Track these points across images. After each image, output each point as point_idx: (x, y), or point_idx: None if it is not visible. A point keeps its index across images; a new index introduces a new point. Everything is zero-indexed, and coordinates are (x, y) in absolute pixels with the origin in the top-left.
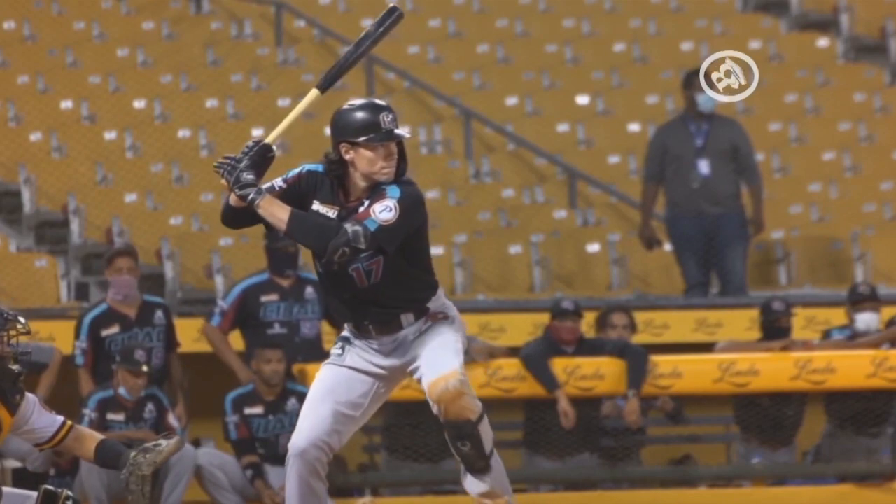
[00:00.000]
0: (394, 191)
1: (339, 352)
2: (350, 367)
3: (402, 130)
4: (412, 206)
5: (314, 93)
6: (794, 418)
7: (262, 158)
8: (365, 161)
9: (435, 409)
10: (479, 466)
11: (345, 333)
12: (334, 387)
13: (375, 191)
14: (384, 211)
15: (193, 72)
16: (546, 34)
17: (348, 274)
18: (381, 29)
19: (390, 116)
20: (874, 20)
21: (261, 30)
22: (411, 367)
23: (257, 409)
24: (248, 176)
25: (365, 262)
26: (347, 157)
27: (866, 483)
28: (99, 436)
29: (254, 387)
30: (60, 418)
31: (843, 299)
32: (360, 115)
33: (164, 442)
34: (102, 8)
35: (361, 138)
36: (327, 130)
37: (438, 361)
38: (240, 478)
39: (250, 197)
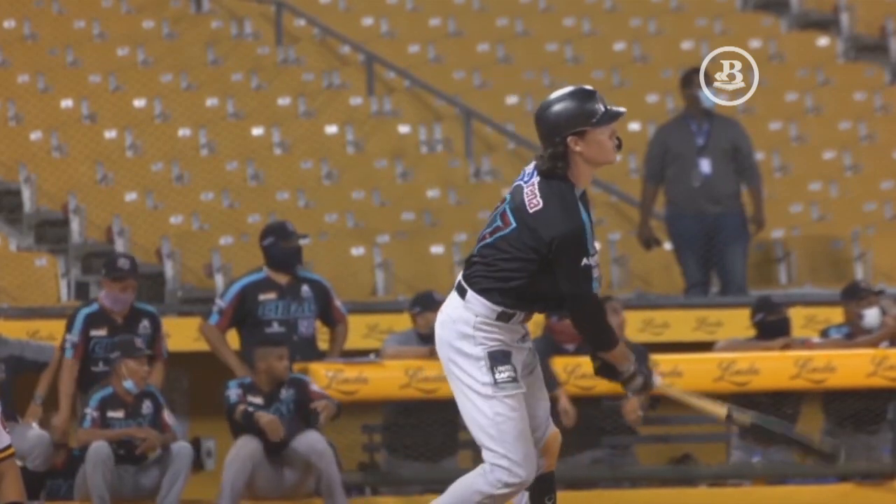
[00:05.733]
0: None
1: (513, 374)
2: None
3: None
4: None
5: None
6: (791, 416)
7: None
8: (596, 146)
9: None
10: None
11: (498, 345)
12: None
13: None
14: None
15: (194, 71)
16: (546, 33)
17: None
18: None
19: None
20: (874, 19)
21: (261, 29)
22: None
23: (258, 400)
24: None
25: None
26: (577, 149)
27: (866, 482)
28: (18, 491)
29: (251, 381)
30: (7, 442)
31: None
32: (579, 103)
33: None
34: (103, 7)
35: (594, 120)
36: (328, 129)
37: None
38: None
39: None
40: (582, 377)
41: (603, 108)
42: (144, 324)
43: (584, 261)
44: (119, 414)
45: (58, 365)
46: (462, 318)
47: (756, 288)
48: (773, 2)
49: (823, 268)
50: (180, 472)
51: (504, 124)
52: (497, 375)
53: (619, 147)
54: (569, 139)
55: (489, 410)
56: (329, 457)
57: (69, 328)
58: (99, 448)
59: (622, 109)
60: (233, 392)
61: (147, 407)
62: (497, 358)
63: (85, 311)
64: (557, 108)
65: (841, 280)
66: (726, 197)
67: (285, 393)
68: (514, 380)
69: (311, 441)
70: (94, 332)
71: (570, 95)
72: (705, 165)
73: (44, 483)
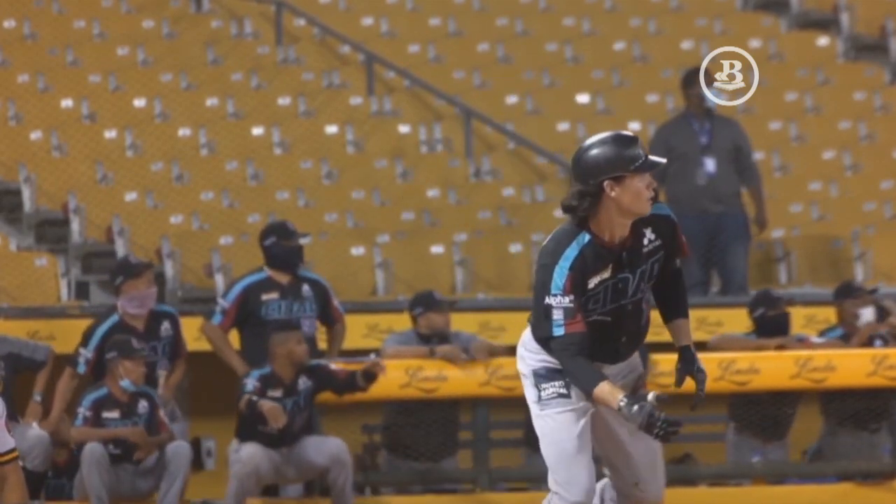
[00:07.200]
0: (671, 216)
1: (561, 390)
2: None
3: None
4: None
5: None
6: (791, 416)
7: None
8: (631, 193)
9: None
10: None
11: (547, 364)
12: (582, 433)
13: (649, 226)
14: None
15: (193, 71)
16: (546, 33)
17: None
18: None
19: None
20: (874, 19)
21: (261, 28)
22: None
23: (277, 393)
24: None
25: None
26: (613, 194)
27: (867, 482)
28: (21, 494)
29: (271, 370)
30: (12, 444)
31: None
32: (618, 148)
33: None
34: (102, 7)
35: (633, 166)
36: (328, 129)
37: (660, 473)
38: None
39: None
40: None
41: (643, 156)
42: (166, 325)
43: (546, 300)
44: (114, 414)
45: (54, 367)
46: (522, 342)
47: (756, 288)
48: (773, 2)
49: (823, 267)
50: (179, 472)
51: (504, 124)
52: (542, 392)
53: (653, 200)
54: (605, 183)
55: (538, 429)
56: (349, 467)
57: (85, 342)
58: (93, 449)
59: (663, 160)
60: (250, 382)
61: (143, 406)
62: (543, 375)
63: (104, 327)
64: (597, 151)
65: (841, 280)
66: (728, 196)
67: (303, 384)
68: (564, 396)
69: (333, 450)
70: None
71: (612, 140)
72: (710, 164)
73: (44, 483)
